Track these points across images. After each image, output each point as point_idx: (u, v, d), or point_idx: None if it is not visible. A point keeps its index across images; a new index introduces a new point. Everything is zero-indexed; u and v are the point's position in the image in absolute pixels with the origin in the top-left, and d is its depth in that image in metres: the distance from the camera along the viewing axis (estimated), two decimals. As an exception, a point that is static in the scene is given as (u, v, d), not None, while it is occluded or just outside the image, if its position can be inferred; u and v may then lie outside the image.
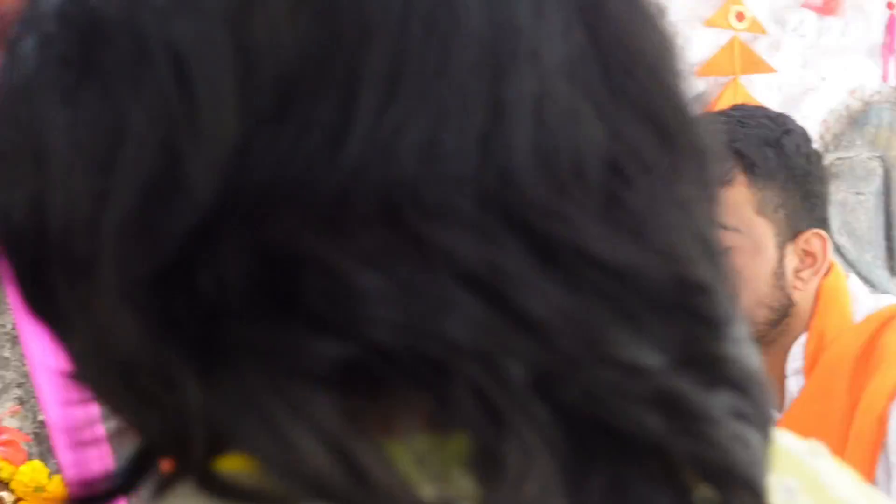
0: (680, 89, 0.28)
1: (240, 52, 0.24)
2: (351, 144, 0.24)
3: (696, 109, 0.28)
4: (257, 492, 0.24)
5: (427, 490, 0.24)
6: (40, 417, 2.01)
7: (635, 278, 0.24)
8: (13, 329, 2.00)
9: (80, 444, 1.22)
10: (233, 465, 0.26)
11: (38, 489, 1.85)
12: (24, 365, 2.01)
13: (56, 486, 1.87)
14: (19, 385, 2.01)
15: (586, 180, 0.24)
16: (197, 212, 0.24)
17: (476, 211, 0.24)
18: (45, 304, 0.29)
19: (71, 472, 1.51)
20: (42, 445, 1.96)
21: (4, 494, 1.83)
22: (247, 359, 0.24)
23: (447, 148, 0.24)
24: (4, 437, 1.84)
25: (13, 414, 1.92)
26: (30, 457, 1.87)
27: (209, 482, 0.26)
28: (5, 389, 2.00)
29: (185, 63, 0.24)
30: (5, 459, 1.82)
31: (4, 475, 1.83)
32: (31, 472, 1.84)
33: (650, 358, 0.24)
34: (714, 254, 0.27)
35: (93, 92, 0.25)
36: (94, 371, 0.29)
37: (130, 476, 0.31)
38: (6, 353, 2.00)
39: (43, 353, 1.51)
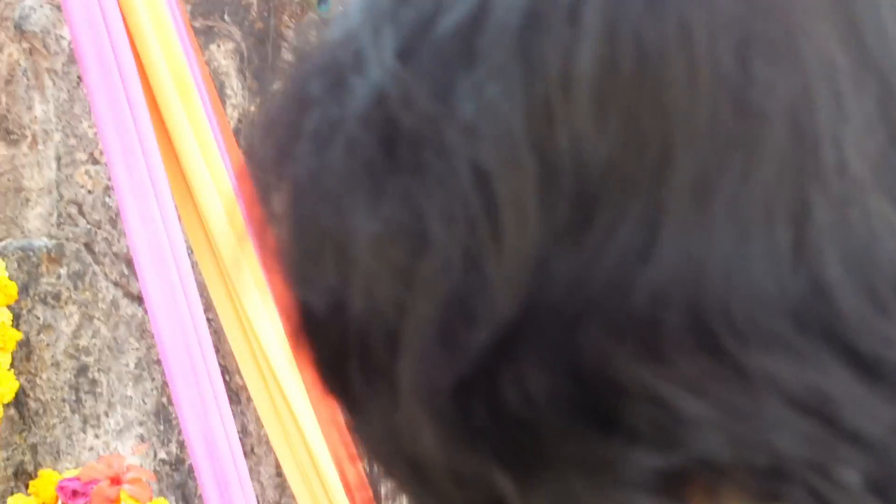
0: None
1: (543, 169, 0.25)
2: (657, 264, 0.25)
3: None
4: None
5: None
6: (161, 455, 2.05)
7: None
8: (135, 368, 2.06)
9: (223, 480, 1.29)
10: None
11: None
12: (145, 404, 2.06)
13: None
14: (140, 423, 2.06)
15: None
16: (498, 324, 0.26)
17: (794, 333, 0.24)
18: (341, 391, 0.31)
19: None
20: (162, 483, 1.99)
21: None
22: (565, 466, 0.26)
23: (756, 268, 0.25)
24: (130, 475, 1.86)
25: (137, 452, 1.95)
26: (155, 493, 1.90)
27: None
28: (127, 428, 2.05)
29: (489, 180, 0.25)
30: (132, 497, 1.85)
31: None
32: None
33: None
34: None
35: (396, 201, 0.26)
36: (385, 457, 0.31)
37: None
38: (129, 392, 2.05)
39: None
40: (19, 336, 1.91)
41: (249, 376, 1.62)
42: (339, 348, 0.29)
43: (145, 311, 2.08)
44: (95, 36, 1.52)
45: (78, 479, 1.87)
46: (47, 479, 1.87)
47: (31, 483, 1.90)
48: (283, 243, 0.29)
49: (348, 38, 0.28)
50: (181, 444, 2.08)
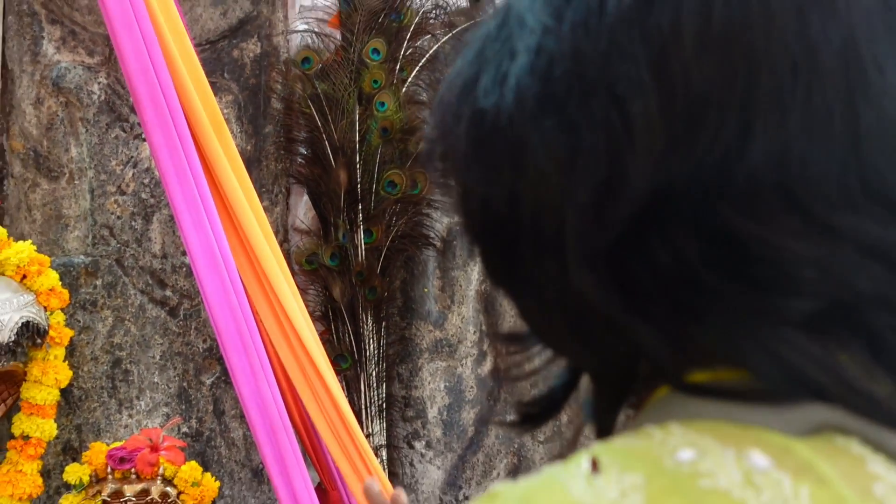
0: None
1: (661, 89, 0.31)
2: (752, 155, 0.31)
3: None
4: (741, 391, 0.31)
5: (877, 388, 0.30)
6: (184, 429, 2.32)
7: None
8: (160, 359, 2.33)
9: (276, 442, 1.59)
10: (701, 378, 0.32)
11: (195, 484, 2.15)
12: (169, 388, 2.33)
13: (207, 481, 2.18)
14: (166, 404, 2.32)
15: None
16: (636, 201, 0.32)
17: (866, 200, 0.30)
18: (508, 273, 0.37)
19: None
20: (190, 449, 2.25)
21: (169, 489, 2.14)
22: (718, 311, 0.31)
23: (822, 154, 0.31)
24: (166, 443, 2.14)
25: (174, 424, 2.23)
26: (186, 458, 2.18)
27: (690, 389, 0.32)
28: (155, 408, 2.31)
29: (622, 98, 0.31)
30: (169, 461, 2.13)
31: (168, 473, 2.14)
32: (189, 471, 2.15)
33: None
34: None
35: (557, 121, 0.33)
36: (545, 323, 0.37)
37: (555, 401, 0.40)
38: (156, 379, 2.31)
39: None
40: (72, 333, 2.18)
41: (282, 350, 1.90)
42: (514, 233, 0.35)
43: (167, 314, 2.35)
44: (148, 82, 1.75)
45: (124, 448, 2.13)
46: (98, 450, 2.13)
47: (84, 454, 2.12)
48: (468, 159, 0.35)
49: (510, 11, 0.36)
50: (200, 420, 2.36)
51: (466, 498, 2.46)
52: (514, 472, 2.50)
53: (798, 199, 0.31)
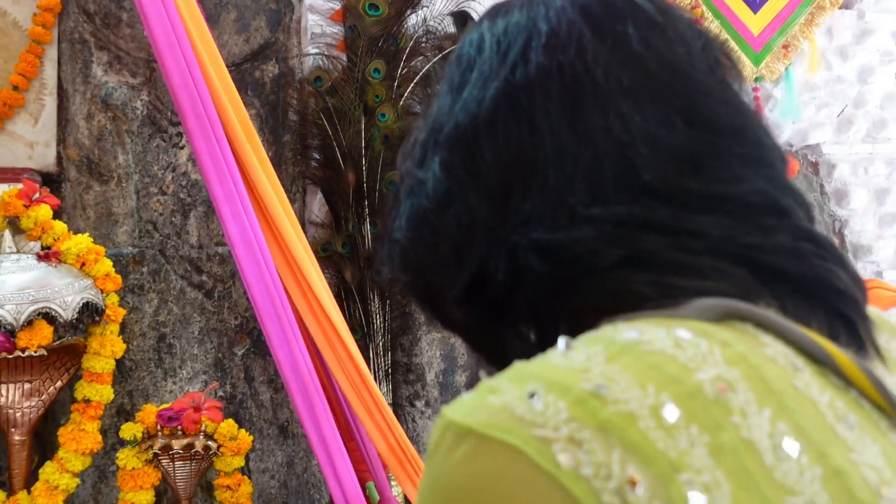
0: None
1: (474, 180, 0.50)
2: (532, 205, 0.46)
3: None
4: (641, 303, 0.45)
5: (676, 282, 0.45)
6: (220, 393, 2.65)
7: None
8: (199, 334, 2.65)
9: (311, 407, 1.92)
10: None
11: (232, 438, 2.46)
12: (206, 359, 2.66)
13: (242, 436, 2.49)
14: (204, 373, 2.64)
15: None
16: (473, 261, 0.49)
17: (616, 192, 0.46)
18: (432, 313, 0.56)
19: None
20: (226, 410, 2.57)
21: (210, 443, 2.45)
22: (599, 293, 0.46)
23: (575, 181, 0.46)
24: (207, 405, 2.46)
25: (213, 389, 2.54)
26: (223, 417, 2.49)
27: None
28: (195, 376, 2.64)
29: (457, 220, 0.50)
30: (210, 419, 2.44)
31: (209, 430, 2.45)
32: (227, 427, 2.45)
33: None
34: None
35: (425, 246, 0.52)
36: (463, 339, 0.55)
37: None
38: (195, 351, 2.64)
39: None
40: (125, 312, 2.49)
41: (309, 320, 2.21)
42: (429, 293, 0.55)
43: (203, 295, 2.68)
44: (189, 95, 2.03)
45: (172, 408, 2.45)
46: (149, 411, 2.43)
47: (137, 414, 2.41)
48: (403, 263, 0.54)
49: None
50: (234, 385, 2.68)
51: (461, 449, 2.81)
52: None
53: (570, 209, 0.46)
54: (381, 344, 2.69)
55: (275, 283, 2.15)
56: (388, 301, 2.73)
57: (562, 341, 0.41)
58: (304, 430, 2.10)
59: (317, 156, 2.74)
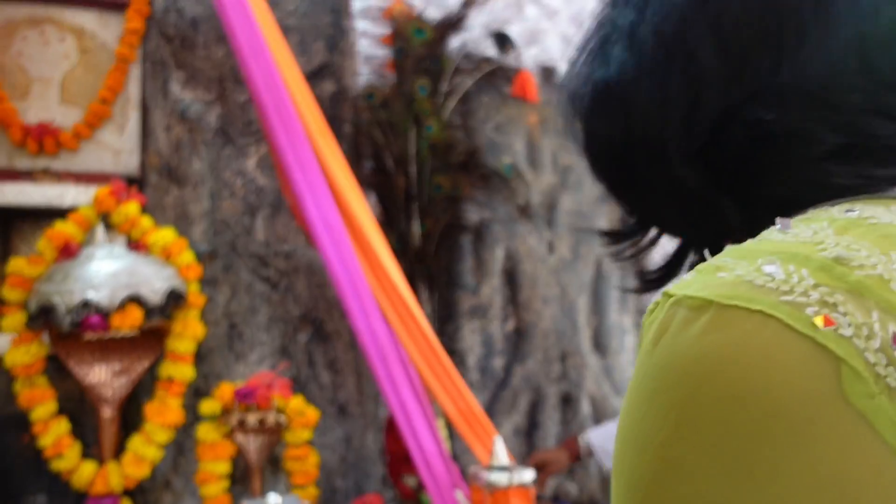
0: None
1: (718, 42, 0.43)
2: (783, 73, 0.42)
3: None
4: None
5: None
6: (286, 375, 2.85)
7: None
8: (267, 322, 2.86)
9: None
10: None
11: (301, 413, 2.66)
12: (273, 344, 2.86)
13: (310, 411, 2.69)
14: (271, 357, 2.85)
15: None
16: (710, 117, 0.44)
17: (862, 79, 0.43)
18: (628, 186, 0.50)
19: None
20: (294, 389, 2.77)
21: (282, 417, 2.65)
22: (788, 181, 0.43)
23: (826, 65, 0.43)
24: (277, 383, 2.67)
25: (283, 369, 2.75)
26: (294, 393, 2.70)
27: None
28: (263, 360, 2.84)
29: (693, 53, 0.43)
30: (280, 396, 2.65)
31: (280, 405, 2.64)
32: (296, 403, 2.65)
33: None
34: None
35: (650, 78, 0.46)
36: (659, 212, 0.50)
37: (672, 267, 0.51)
38: (263, 338, 2.84)
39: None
40: (205, 298, 2.71)
41: (380, 296, 2.42)
42: (631, 155, 0.48)
43: (270, 288, 2.90)
44: (273, 96, 2.26)
45: (246, 386, 2.66)
46: (226, 388, 2.61)
47: (215, 391, 2.59)
48: (592, 113, 0.50)
49: (606, 18, 0.50)
50: (298, 369, 2.86)
51: (499, 425, 3.04)
52: (533, 405, 3.11)
53: (811, 94, 0.42)
54: (429, 331, 2.92)
55: (352, 265, 2.37)
56: (434, 292, 2.98)
57: (779, 221, 0.40)
58: (383, 396, 2.28)
59: (370, 163, 3.01)
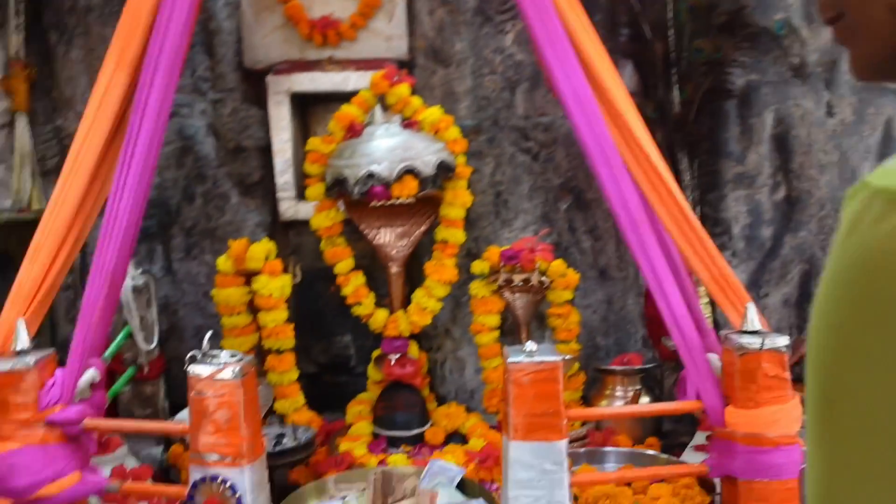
0: None
1: None
2: None
3: None
4: None
5: None
6: (547, 241, 2.99)
7: None
8: (528, 191, 3.00)
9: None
10: None
11: (562, 275, 2.80)
12: (535, 211, 3.00)
13: (571, 273, 2.81)
14: (533, 224, 3.00)
15: None
16: None
17: None
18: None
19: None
20: (553, 255, 2.90)
21: (544, 278, 2.80)
22: None
23: None
24: (540, 247, 2.81)
25: (545, 234, 2.89)
26: (555, 257, 2.82)
27: None
28: (526, 227, 2.99)
29: None
30: (542, 258, 2.80)
31: (542, 267, 2.79)
32: (557, 265, 2.74)
33: None
34: None
35: None
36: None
37: None
38: (525, 206, 2.99)
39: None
40: (472, 170, 2.88)
41: (631, 163, 2.43)
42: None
43: (531, 159, 3.03)
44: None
45: (511, 249, 2.84)
46: (493, 250, 2.77)
47: (483, 254, 2.79)
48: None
49: None
50: (559, 235, 2.99)
51: (766, 295, 2.95)
52: (806, 276, 2.96)
53: None
54: (690, 200, 2.87)
55: (602, 133, 2.37)
56: (695, 161, 2.91)
57: None
58: (634, 259, 2.30)
59: (626, 31, 2.94)
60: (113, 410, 2.85)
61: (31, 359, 1.95)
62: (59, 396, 1.98)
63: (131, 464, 2.47)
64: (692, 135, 2.88)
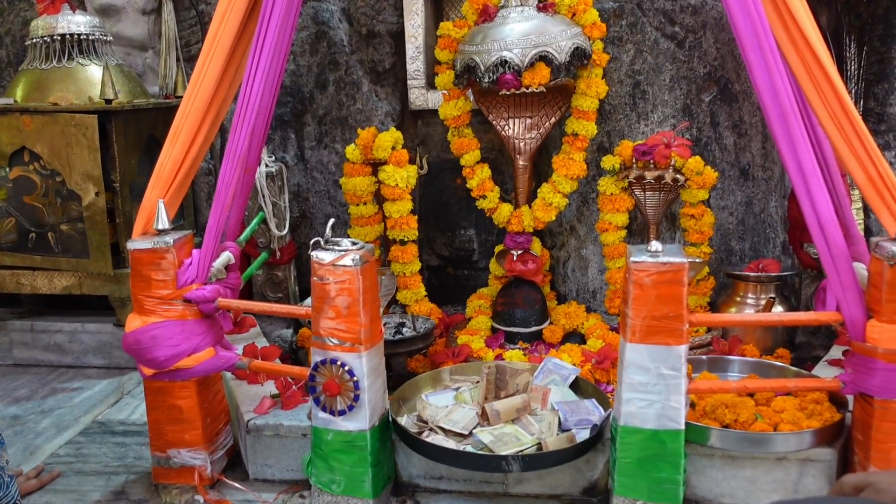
0: None
1: None
2: None
3: None
4: None
5: None
6: (686, 136, 2.80)
7: None
8: (669, 82, 2.80)
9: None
10: None
11: (698, 173, 2.63)
12: (676, 104, 2.80)
13: (708, 171, 2.64)
14: (673, 117, 2.81)
15: None
16: None
17: None
18: None
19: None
20: (692, 150, 2.73)
21: (679, 176, 2.64)
22: None
23: None
24: (677, 142, 2.64)
25: (683, 128, 2.71)
26: (693, 153, 2.65)
27: None
28: (665, 120, 2.81)
29: None
30: (678, 155, 2.63)
31: (678, 164, 2.64)
32: (694, 163, 2.60)
33: None
34: None
35: None
36: None
37: None
38: (665, 97, 2.79)
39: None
40: (608, 57, 2.71)
41: (787, 50, 2.18)
42: None
43: (675, 45, 2.79)
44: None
45: (646, 144, 2.70)
46: (626, 146, 2.68)
47: (615, 148, 2.68)
48: None
49: None
50: (699, 129, 2.79)
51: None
52: None
53: None
54: (853, 92, 2.58)
55: (757, 11, 2.13)
56: (864, 47, 2.59)
57: None
58: (780, 156, 2.11)
59: None
60: (247, 292, 3.01)
61: (170, 238, 2.06)
62: (195, 275, 2.09)
63: (262, 343, 2.62)
64: (864, 17, 2.55)
